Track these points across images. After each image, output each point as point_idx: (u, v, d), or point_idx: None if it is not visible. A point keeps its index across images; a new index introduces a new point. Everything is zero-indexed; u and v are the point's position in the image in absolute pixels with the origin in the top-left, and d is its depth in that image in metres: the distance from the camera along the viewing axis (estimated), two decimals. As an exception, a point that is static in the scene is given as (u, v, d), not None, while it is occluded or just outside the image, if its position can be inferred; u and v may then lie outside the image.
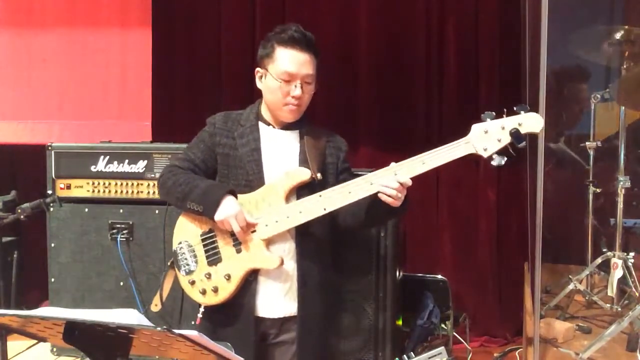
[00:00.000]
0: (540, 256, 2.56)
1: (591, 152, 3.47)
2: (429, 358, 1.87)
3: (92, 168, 3.16)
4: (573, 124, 3.97)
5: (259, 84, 2.21)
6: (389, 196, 2.01)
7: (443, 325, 3.28)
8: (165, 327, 1.28)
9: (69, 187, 3.18)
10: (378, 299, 2.86)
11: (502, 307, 3.79)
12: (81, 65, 3.76)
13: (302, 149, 2.19)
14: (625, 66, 3.28)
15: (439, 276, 3.42)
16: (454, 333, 3.35)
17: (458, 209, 3.81)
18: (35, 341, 3.29)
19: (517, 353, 3.45)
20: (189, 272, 2.18)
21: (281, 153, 2.18)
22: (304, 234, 2.14)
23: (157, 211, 3.06)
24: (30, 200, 2.57)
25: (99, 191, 3.16)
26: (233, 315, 2.15)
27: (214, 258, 2.16)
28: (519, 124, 1.98)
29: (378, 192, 2.02)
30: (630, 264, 3.12)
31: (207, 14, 3.91)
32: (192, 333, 1.28)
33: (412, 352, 1.91)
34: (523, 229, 3.63)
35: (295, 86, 2.12)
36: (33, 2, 3.78)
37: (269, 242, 2.12)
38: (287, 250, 2.14)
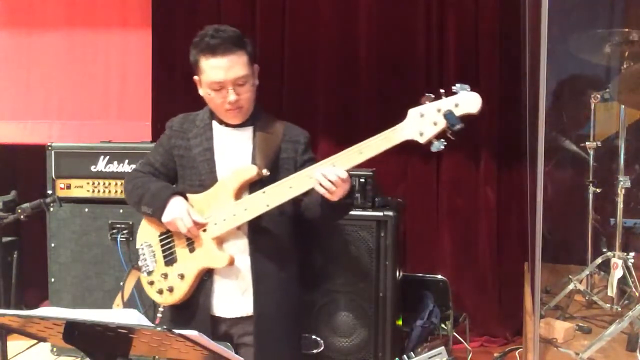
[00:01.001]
0: (540, 256, 2.56)
1: (591, 152, 3.47)
2: (429, 358, 1.88)
3: (92, 168, 3.16)
4: (573, 124, 3.96)
5: (200, 92, 2.17)
6: (324, 188, 1.94)
7: (443, 325, 3.28)
8: (165, 327, 1.28)
9: (69, 187, 3.19)
10: (378, 299, 2.86)
11: (502, 307, 3.80)
12: (81, 65, 3.77)
13: (254, 145, 2.17)
14: (625, 66, 3.28)
15: (439, 276, 3.42)
16: (454, 333, 3.35)
17: (458, 209, 3.81)
18: (35, 341, 3.29)
19: (517, 353, 3.45)
20: (149, 273, 2.21)
21: (234, 151, 2.17)
22: (257, 230, 2.13)
23: (157, 211, 3.06)
24: (30, 200, 2.57)
25: (99, 191, 3.16)
26: (190, 314, 2.16)
27: (170, 258, 2.18)
28: (456, 105, 1.84)
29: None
30: (630, 264, 3.12)
31: (207, 14, 3.91)
32: (192, 333, 1.28)
33: (412, 352, 1.92)
34: (523, 229, 3.63)
35: (229, 92, 2.07)
36: (33, 2, 3.79)
37: (221, 240, 2.12)
38: (242, 248, 2.14)
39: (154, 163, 2.25)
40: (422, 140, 1.89)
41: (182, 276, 2.14)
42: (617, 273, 3.10)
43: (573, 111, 3.92)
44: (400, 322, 3.07)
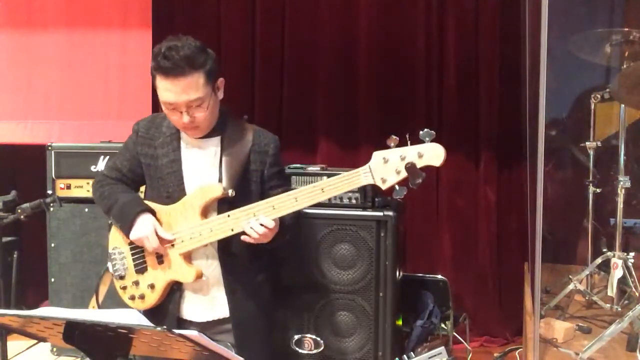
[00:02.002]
0: (540, 256, 2.56)
1: (591, 152, 3.47)
2: (429, 358, 1.87)
3: (92, 168, 3.16)
4: (573, 124, 3.96)
5: None
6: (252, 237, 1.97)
7: (443, 325, 3.28)
8: (165, 327, 1.28)
9: (69, 187, 3.19)
10: (378, 299, 2.86)
11: (502, 307, 3.80)
12: (81, 65, 3.76)
13: (221, 158, 2.12)
14: (625, 66, 3.28)
15: (439, 276, 3.42)
16: (454, 333, 3.35)
17: (458, 209, 3.81)
18: (35, 341, 3.29)
19: (517, 353, 3.45)
20: (121, 277, 2.21)
21: (201, 163, 2.13)
22: (226, 247, 2.11)
23: (157, 211, 3.06)
24: (30, 200, 2.56)
25: (99, 191, 3.15)
26: (159, 320, 2.14)
27: (140, 267, 2.18)
28: (420, 156, 1.80)
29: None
30: (630, 264, 3.12)
31: (207, 14, 3.91)
32: (192, 333, 1.29)
33: (412, 352, 1.91)
34: (523, 229, 3.63)
35: (182, 113, 2.00)
36: (33, 2, 3.78)
37: (189, 254, 2.12)
38: (210, 262, 2.14)
39: (121, 169, 2.23)
40: (384, 186, 1.87)
41: (152, 286, 2.15)
42: (617, 273, 3.10)
43: (573, 111, 3.92)
44: (400, 322, 3.07)
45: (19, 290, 3.44)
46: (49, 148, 3.21)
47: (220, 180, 2.09)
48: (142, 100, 3.69)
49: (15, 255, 3.44)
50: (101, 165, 3.16)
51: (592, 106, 3.46)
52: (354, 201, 2.93)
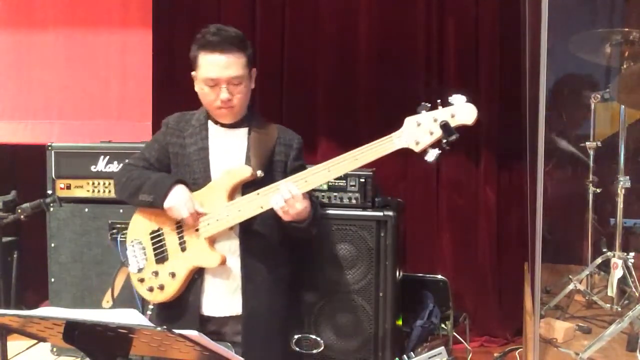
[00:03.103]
0: (540, 256, 2.56)
1: (591, 152, 3.47)
2: (429, 358, 1.87)
3: (92, 168, 3.16)
4: (573, 124, 3.96)
5: (195, 88, 2.20)
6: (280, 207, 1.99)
7: (443, 325, 3.28)
8: (165, 327, 1.28)
9: (69, 187, 3.18)
10: (378, 299, 2.86)
11: (502, 307, 3.80)
12: (81, 65, 3.76)
13: (249, 146, 2.19)
14: (625, 66, 3.28)
15: (439, 276, 3.42)
16: (454, 333, 3.35)
17: (458, 209, 3.81)
18: (35, 341, 3.29)
19: (517, 353, 3.45)
20: (139, 270, 2.21)
21: (228, 151, 2.19)
22: (248, 232, 2.14)
23: (157, 211, 3.06)
24: (30, 200, 2.57)
25: (99, 191, 3.16)
26: (179, 313, 2.17)
27: (161, 256, 2.18)
28: (452, 116, 1.89)
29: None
30: (630, 264, 3.12)
31: (207, 14, 3.91)
32: (192, 333, 1.28)
33: (412, 352, 1.91)
34: (523, 229, 3.63)
35: (222, 90, 2.09)
36: (33, 2, 3.78)
37: (213, 240, 2.14)
38: (233, 248, 2.15)
39: (149, 158, 2.25)
40: (417, 149, 1.93)
41: (173, 274, 2.15)
42: (617, 273, 3.10)
43: (573, 111, 3.92)
44: (400, 322, 3.07)
45: (19, 290, 3.45)
46: (49, 148, 3.21)
47: (247, 164, 2.13)
48: (142, 100, 3.69)
49: (15, 255, 3.45)
50: (101, 165, 3.16)
51: (592, 106, 3.46)
52: (354, 201, 2.93)
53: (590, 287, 3.40)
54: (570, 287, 3.24)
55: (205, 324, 2.16)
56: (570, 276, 3.28)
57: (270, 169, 2.16)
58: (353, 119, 3.83)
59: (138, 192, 2.16)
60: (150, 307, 2.24)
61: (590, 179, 3.49)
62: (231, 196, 2.11)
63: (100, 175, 3.15)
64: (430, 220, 3.83)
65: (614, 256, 3.17)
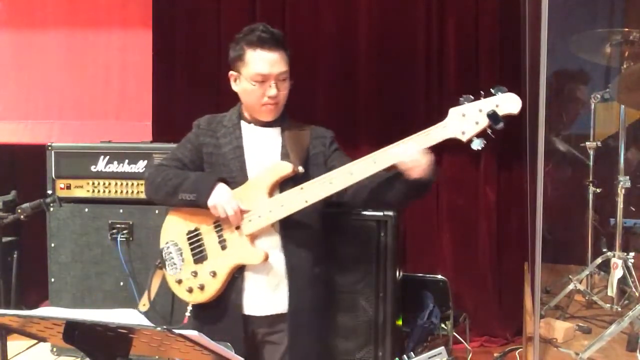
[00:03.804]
0: (540, 256, 2.56)
1: (591, 152, 3.47)
2: (429, 358, 1.87)
3: (92, 168, 3.16)
4: (573, 124, 3.97)
5: (234, 87, 2.22)
6: (410, 165, 1.98)
7: (443, 325, 3.28)
8: (165, 327, 1.28)
9: (69, 187, 3.18)
10: (378, 299, 2.86)
11: (502, 307, 3.80)
12: (81, 65, 3.76)
13: (284, 143, 2.20)
14: (625, 66, 3.28)
15: (439, 276, 3.42)
16: (454, 333, 3.35)
17: (458, 209, 3.81)
18: (35, 341, 3.29)
19: (517, 353, 3.45)
20: (176, 271, 2.19)
21: (263, 149, 2.20)
22: (289, 228, 2.14)
23: (157, 211, 3.05)
24: (30, 200, 2.56)
25: (99, 191, 3.15)
26: (220, 313, 2.16)
27: (199, 256, 2.17)
28: (497, 106, 1.93)
29: (398, 167, 2.00)
30: (630, 264, 3.12)
31: (207, 13, 3.91)
32: (192, 333, 1.28)
33: (412, 352, 1.91)
34: (523, 229, 3.63)
35: (270, 86, 2.13)
36: (33, 2, 3.78)
37: (254, 237, 2.13)
38: (273, 244, 2.15)
39: (182, 159, 2.24)
40: (463, 138, 1.97)
41: (214, 274, 2.14)
42: (617, 273, 3.10)
43: (573, 111, 3.92)
44: (400, 322, 3.07)
45: (19, 290, 3.44)
46: (49, 148, 3.21)
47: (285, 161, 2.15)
48: (142, 100, 3.69)
49: (15, 255, 3.44)
50: (101, 165, 3.16)
51: (592, 106, 3.46)
52: (354, 201, 2.93)
53: (590, 287, 3.40)
54: (570, 287, 3.24)
55: (248, 324, 2.16)
56: (570, 276, 3.28)
57: (307, 164, 2.18)
58: (353, 118, 3.83)
59: (177, 192, 2.14)
60: (189, 308, 2.21)
61: (590, 179, 3.49)
62: (271, 193, 2.12)
63: (100, 175, 3.15)
64: (430, 220, 3.83)
65: (614, 256, 3.17)
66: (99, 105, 3.77)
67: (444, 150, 3.62)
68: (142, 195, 3.10)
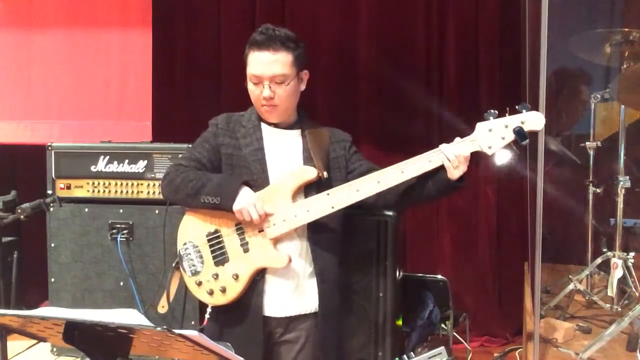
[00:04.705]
0: (540, 256, 2.56)
1: (591, 152, 3.47)
2: (429, 358, 1.87)
3: (92, 168, 3.16)
4: (573, 124, 3.97)
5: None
6: (450, 162, 2.08)
7: (443, 325, 3.28)
8: (165, 327, 1.28)
9: (69, 187, 3.18)
10: (378, 299, 2.86)
11: (502, 307, 3.80)
12: (81, 65, 3.76)
13: (306, 146, 2.19)
14: (625, 66, 3.28)
15: (439, 276, 3.42)
16: (454, 333, 3.35)
17: (458, 209, 3.81)
18: (35, 341, 3.29)
19: (517, 353, 3.45)
20: (195, 273, 2.17)
21: (284, 152, 2.20)
22: (316, 231, 2.14)
23: (157, 211, 3.06)
24: (30, 200, 2.56)
25: (99, 191, 3.15)
26: (240, 315, 2.15)
27: (220, 258, 2.16)
28: (522, 122, 2.03)
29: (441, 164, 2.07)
30: (630, 264, 3.13)
31: (207, 14, 3.91)
32: (192, 333, 1.28)
33: (412, 352, 1.91)
34: (523, 229, 3.63)
35: (264, 87, 2.10)
36: (33, 2, 3.78)
37: (276, 240, 2.13)
38: (295, 248, 2.15)
39: (200, 159, 2.21)
40: (489, 152, 2.09)
41: (236, 276, 2.13)
42: (617, 273, 3.10)
43: (573, 111, 3.92)
44: (400, 322, 3.07)
45: (19, 290, 3.44)
46: (49, 148, 3.21)
47: (307, 165, 2.15)
48: (141, 100, 3.68)
49: (15, 255, 3.44)
50: (101, 165, 3.16)
51: (592, 106, 3.46)
52: (354, 201, 2.93)
53: (590, 287, 3.40)
54: (570, 287, 3.25)
55: (266, 324, 2.16)
56: (570, 276, 3.29)
57: (328, 168, 2.17)
58: (353, 118, 3.83)
59: (199, 194, 2.11)
60: (209, 310, 2.20)
61: (590, 179, 3.49)
62: (294, 197, 2.12)
63: (100, 175, 3.15)
64: (430, 220, 3.83)
65: (614, 256, 3.17)
66: (99, 105, 3.76)
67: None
68: (142, 195, 3.11)
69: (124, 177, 3.11)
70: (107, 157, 3.15)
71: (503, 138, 2.05)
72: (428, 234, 3.84)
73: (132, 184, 3.12)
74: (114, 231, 3.12)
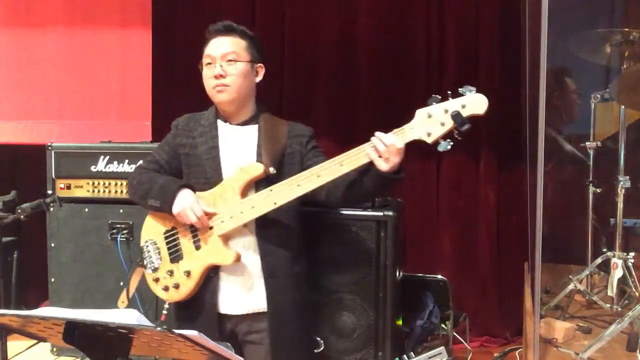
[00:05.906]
0: (540, 256, 2.56)
1: (591, 152, 3.47)
2: (429, 358, 1.88)
3: (92, 168, 3.16)
4: (573, 124, 3.96)
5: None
6: (378, 152, 1.94)
7: (443, 325, 3.28)
8: (165, 327, 1.28)
9: (69, 187, 3.18)
10: (378, 299, 2.85)
11: (502, 307, 3.80)
12: (81, 65, 3.76)
13: (259, 143, 2.20)
14: (625, 66, 3.28)
15: (439, 276, 3.42)
16: (454, 333, 3.35)
17: (458, 209, 3.81)
18: (35, 341, 3.29)
19: (517, 353, 3.45)
20: (154, 270, 2.22)
21: (239, 149, 2.20)
22: (264, 227, 2.15)
23: (157, 211, 3.06)
24: (30, 200, 2.56)
25: (99, 191, 3.15)
26: (196, 312, 2.17)
27: (175, 255, 2.19)
28: (463, 106, 1.89)
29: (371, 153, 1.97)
30: (630, 264, 3.12)
31: (207, 14, 3.91)
32: (192, 333, 1.28)
33: (412, 352, 1.92)
34: (523, 229, 3.63)
35: (215, 66, 2.15)
36: (33, 2, 3.78)
37: (227, 237, 2.14)
38: (248, 245, 2.15)
39: (159, 160, 2.27)
40: (429, 140, 1.93)
41: (188, 273, 2.16)
42: (617, 273, 3.10)
43: (573, 111, 3.92)
44: (400, 322, 3.07)
45: (19, 290, 3.44)
46: (49, 148, 3.21)
47: (259, 161, 2.14)
48: (141, 100, 3.68)
49: (15, 255, 3.44)
50: (101, 165, 3.16)
51: (592, 106, 3.46)
52: (353, 201, 2.92)
53: (590, 287, 3.40)
54: (570, 287, 3.24)
55: (223, 323, 2.18)
56: (570, 276, 3.28)
57: (281, 163, 2.17)
58: (353, 118, 3.83)
59: (147, 197, 2.18)
60: (166, 306, 2.24)
61: (590, 179, 3.49)
62: (244, 193, 2.12)
63: (100, 175, 3.15)
64: (430, 220, 3.83)
65: (614, 256, 3.17)
66: (99, 105, 3.76)
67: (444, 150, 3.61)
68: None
69: (124, 177, 3.11)
70: (107, 157, 3.15)
71: (443, 124, 1.90)
72: (428, 234, 3.83)
73: (132, 184, 3.11)
74: (114, 231, 3.12)
